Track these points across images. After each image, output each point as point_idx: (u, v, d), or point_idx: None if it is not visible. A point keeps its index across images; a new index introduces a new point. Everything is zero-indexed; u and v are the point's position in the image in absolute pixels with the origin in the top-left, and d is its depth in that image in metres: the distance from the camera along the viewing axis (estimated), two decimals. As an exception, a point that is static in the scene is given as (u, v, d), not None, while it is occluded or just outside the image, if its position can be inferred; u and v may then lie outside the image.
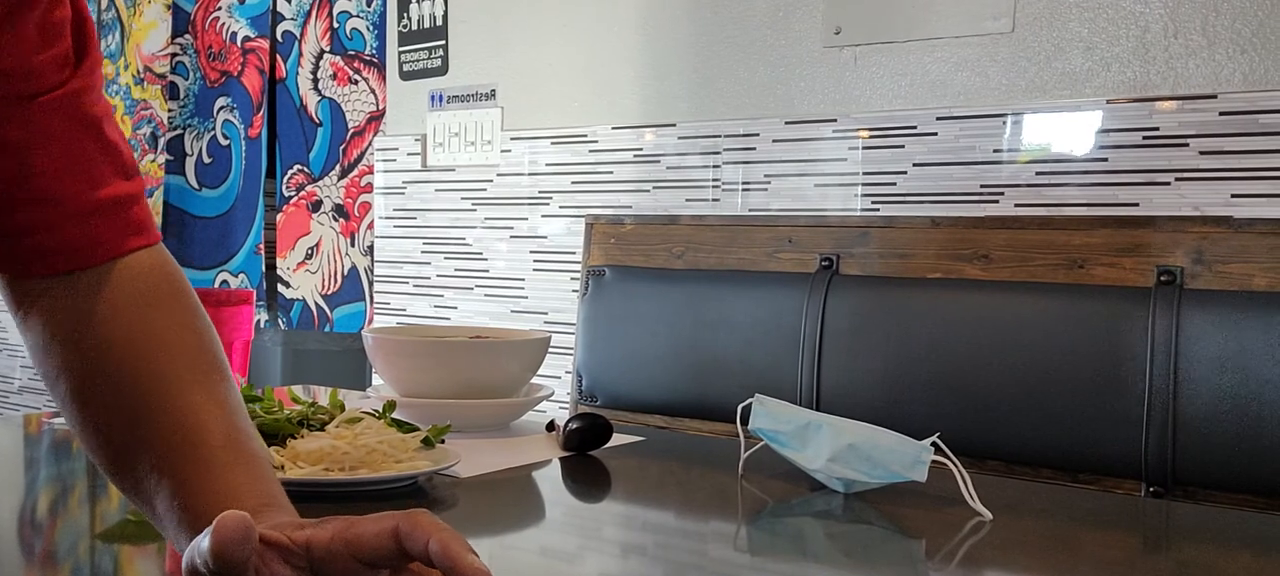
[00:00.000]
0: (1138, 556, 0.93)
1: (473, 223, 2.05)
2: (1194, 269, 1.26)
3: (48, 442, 1.21)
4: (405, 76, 2.14)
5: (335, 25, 2.23)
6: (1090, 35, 1.42)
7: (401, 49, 2.14)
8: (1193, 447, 1.22)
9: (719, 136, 1.73)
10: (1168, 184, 1.36)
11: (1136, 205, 1.38)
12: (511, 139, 1.99)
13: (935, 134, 1.53)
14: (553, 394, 1.35)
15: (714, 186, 1.74)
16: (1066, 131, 1.43)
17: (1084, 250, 1.34)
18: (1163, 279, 1.28)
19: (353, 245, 2.25)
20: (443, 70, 2.08)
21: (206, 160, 2.44)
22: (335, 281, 2.26)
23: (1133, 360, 1.25)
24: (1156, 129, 1.37)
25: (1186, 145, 1.35)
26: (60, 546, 0.84)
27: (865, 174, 1.59)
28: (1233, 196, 1.32)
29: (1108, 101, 1.40)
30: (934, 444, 0.99)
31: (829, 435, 1.01)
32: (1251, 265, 1.23)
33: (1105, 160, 1.41)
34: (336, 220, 2.26)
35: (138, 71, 2.49)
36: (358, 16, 2.21)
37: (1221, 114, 1.33)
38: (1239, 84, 1.32)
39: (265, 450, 0.73)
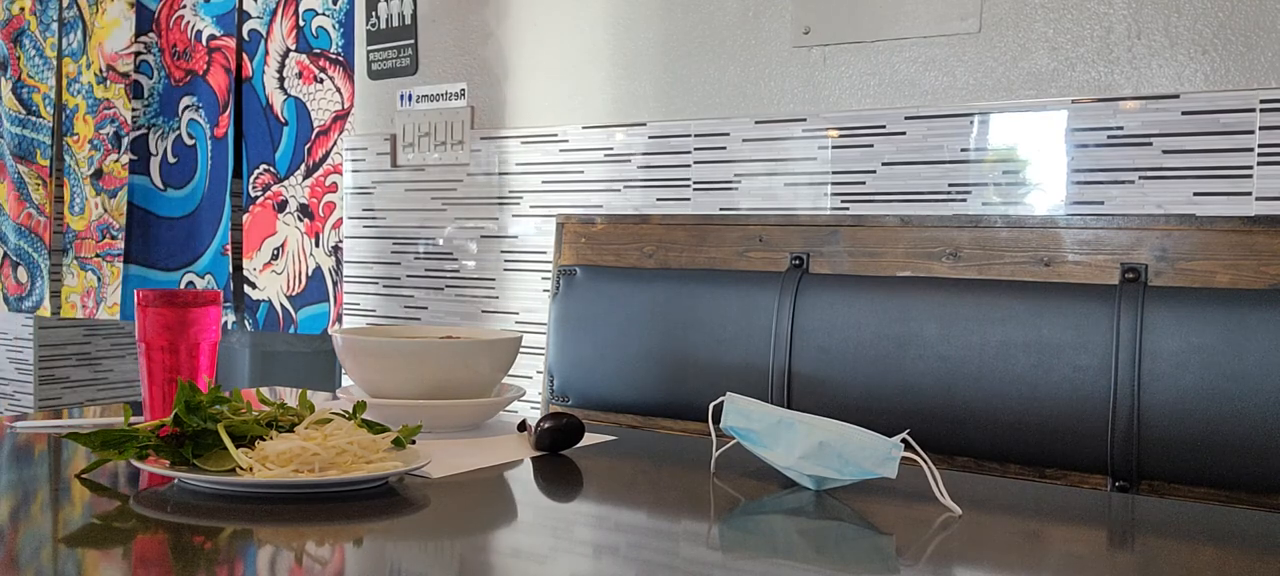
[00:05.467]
0: (1104, 550, 0.94)
1: (442, 222, 2.04)
2: (1158, 266, 1.28)
3: (10, 447, 1.19)
4: (374, 75, 2.13)
5: (301, 23, 2.22)
6: (1055, 36, 1.43)
7: (370, 48, 2.13)
8: (1157, 443, 1.24)
9: (689, 136, 1.74)
10: (1132, 182, 1.38)
11: (1101, 203, 1.40)
12: (481, 138, 1.98)
13: (904, 133, 1.54)
14: (524, 394, 1.35)
15: (684, 185, 1.74)
16: (1032, 131, 1.45)
17: (1050, 248, 1.35)
18: (1127, 276, 1.29)
19: (317, 245, 2.23)
20: (412, 69, 2.07)
21: (171, 160, 2.41)
22: (300, 282, 2.24)
23: (1098, 357, 1.27)
24: (1120, 128, 1.39)
25: (1150, 144, 1.37)
26: (23, 551, 0.83)
27: (835, 173, 1.60)
28: (1195, 194, 1.34)
29: (1073, 101, 1.42)
30: (904, 441, 1.00)
31: (800, 433, 1.02)
32: (1214, 262, 1.25)
33: (1070, 158, 1.42)
34: (301, 220, 2.24)
35: (101, 70, 2.46)
36: (324, 15, 2.19)
37: (1184, 113, 1.35)
38: (1201, 84, 1.34)
39: None
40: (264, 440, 0.97)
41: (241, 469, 0.95)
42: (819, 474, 1.01)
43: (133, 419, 1.05)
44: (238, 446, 0.96)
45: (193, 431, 0.97)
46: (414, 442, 1.05)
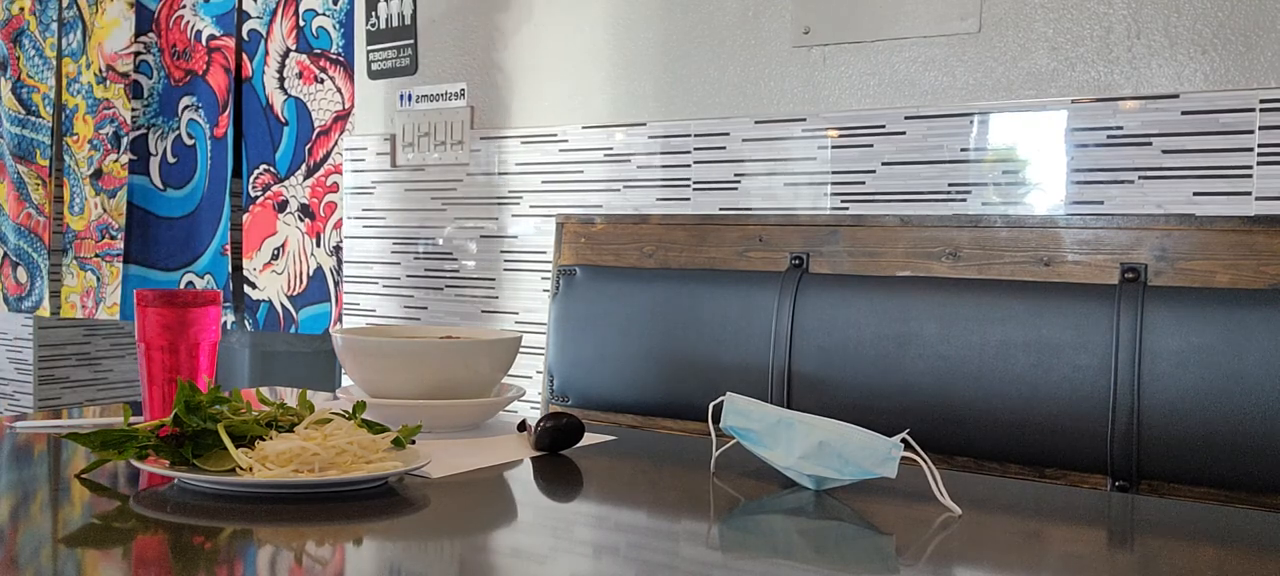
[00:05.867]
0: (1103, 549, 0.94)
1: (442, 222, 2.04)
2: (1157, 266, 1.28)
3: (10, 447, 1.19)
4: (374, 75, 2.13)
5: (301, 23, 2.22)
6: (1055, 36, 1.43)
7: (370, 48, 2.12)
8: (1157, 443, 1.24)
9: (689, 135, 1.74)
10: (1131, 182, 1.38)
11: (1101, 203, 1.40)
12: (481, 138, 1.98)
13: (903, 133, 1.54)
14: (524, 394, 1.35)
15: (684, 185, 1.74)
16: (1032, 130, 1.45)
17: (1050, 248, 1.35)
18: (1127, 276, 1.29)
19: (318, 245, 2.23)
20: (412, 69, 2.07)
21: (171, 160, 2.41)
22: (301, 282, 2.24)
23: (1098, 356, 1.27)
24: (1120, 128, 1.39)
25: (1149, 144, 1.37)
26: (23, 551, 0.83)
27: (835, 172, 1.60)
28: (1195, 194, 1.34)
29: (1072, 101, 1.42)
30: (904, 441, 0.99)
31: (800, 432, 1.02)
32: (1213, 262, 1.25)
33: (1070, 158, 1.42)
34: (302, 220, 2.24)
35: (100, 70, 2.46)
36: (324, 15, 2.19)
37: (1183, 113, 1.35)
38: (1200, 84, 1.34)
39: None
40: (264, 440, 0.97)
41: (241, 469, 0.95)
42: (819, 473, 1.01)
43: (132, 419, 1.05)
44: (237, 446, 0.96)
45: (192, 431, 0.97)
46: (414, 442, 1.05)
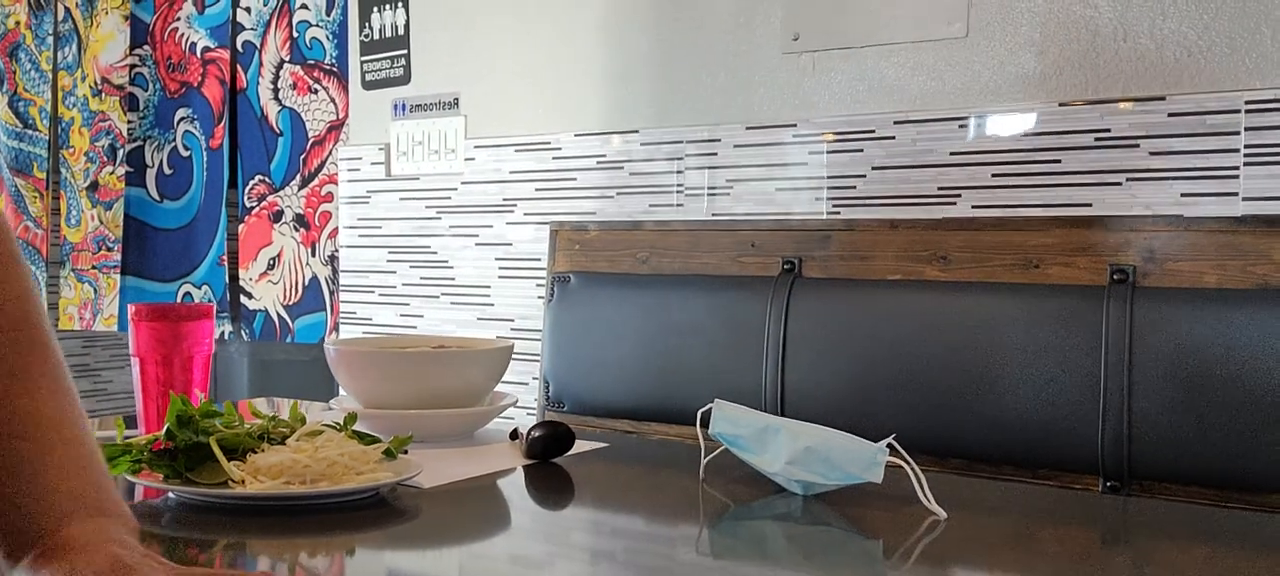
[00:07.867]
0: (1095, 550, 0.94)
1: (438, 231, 2.04)
2: (1146, 267, 1.29)
3: (5, 461, 1.20)
4: (368, 86, 2.14)
5: (295, 34, 2.22)
6: (1042, 39, 1.44)
7: (363, 58, 2.13)
8: (1147, 443, 1.24)
9: (681, 142, 1.74)
10: (1119, 184, 1.39)
11: (1089, 205, 1.41)
12: (475, 147, 1.99)
13: (893, 137, 1.54)
14: (517, 401, 1.35)
15: (677, 192, 1.75)
16: (1020, 133, 1.46)
17: (1039, 250, 1.36)
18: (1116, 277, 1.30)
19: (313, 255, 2.24)
20: (405, 79, 2.08)
21: (167, 172, 2.42)
22: (296, 292, 2.25)
23: (1088, 358, 1.27)
24: (1108, 130, 1.39)
25: (1137, 146, 1.38)
26: (17, 566, 0.83)
27: (825, 177, 1.60)
28: (1182, 195, 1.35)
29: (1060, 104, 1.43)
30: (889, 445, 1.00)
31: (786, 438, 1.02)
32: (1201, 263, 1.26)
33: (1058, 161, 1.43)
34: (297, 230, 2.25)
35: (95, 83, 2.47)
36: (317, 26, 2.20)
37: (1170, 115, 1.35)
38: (1187, 86, 1.35)
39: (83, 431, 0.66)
40: (256, 453, 0.98)
41: (234, 481, 0.95)
42: (806, 479, 1.01)
43: (127, 432, 1.06)
44: (230, 459, 0.97)
45: (185, 445, 0.98)
46: (405, 453, 1.06)
